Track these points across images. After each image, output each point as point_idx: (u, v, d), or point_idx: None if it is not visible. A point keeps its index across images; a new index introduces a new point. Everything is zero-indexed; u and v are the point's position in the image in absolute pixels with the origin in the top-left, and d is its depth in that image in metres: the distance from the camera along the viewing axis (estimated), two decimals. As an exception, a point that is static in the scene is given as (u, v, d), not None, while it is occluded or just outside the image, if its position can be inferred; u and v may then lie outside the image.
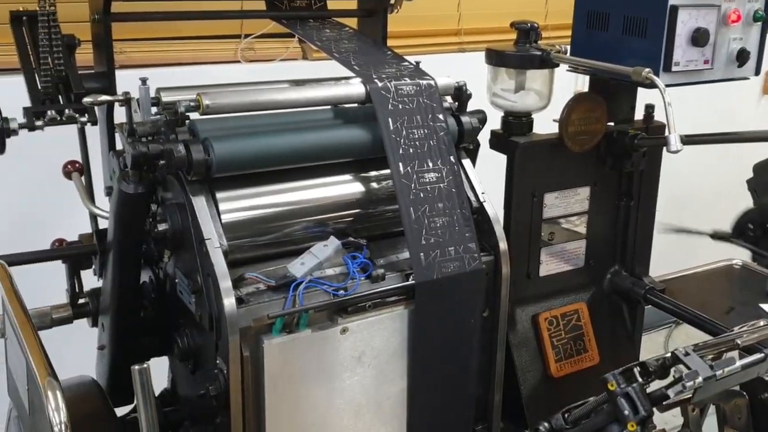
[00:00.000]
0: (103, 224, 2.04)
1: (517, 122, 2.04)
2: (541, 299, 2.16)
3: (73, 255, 1.89)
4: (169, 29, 3.21)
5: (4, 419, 1.92)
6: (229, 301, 1.54)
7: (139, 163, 1.63)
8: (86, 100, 1.69)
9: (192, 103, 1.63)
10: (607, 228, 2.22)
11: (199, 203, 1.62)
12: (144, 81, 1.72)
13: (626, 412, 1.40)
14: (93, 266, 2.02)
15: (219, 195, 1.66)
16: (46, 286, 1.99)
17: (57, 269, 2.01)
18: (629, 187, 2.20)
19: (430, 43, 3.84)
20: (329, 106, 1.85)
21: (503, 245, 1.84)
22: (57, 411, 1.17)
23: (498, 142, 2.05)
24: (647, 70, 1.77)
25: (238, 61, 3.39)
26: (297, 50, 3.53)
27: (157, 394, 2.06)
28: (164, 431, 1.94)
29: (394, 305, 1.71)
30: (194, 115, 1.68)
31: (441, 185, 1.81)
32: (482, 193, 1.87)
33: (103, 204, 2.01)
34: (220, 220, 1.63)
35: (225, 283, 1.55)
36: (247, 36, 3.38)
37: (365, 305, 1.68)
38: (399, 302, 1.72)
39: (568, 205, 2.12)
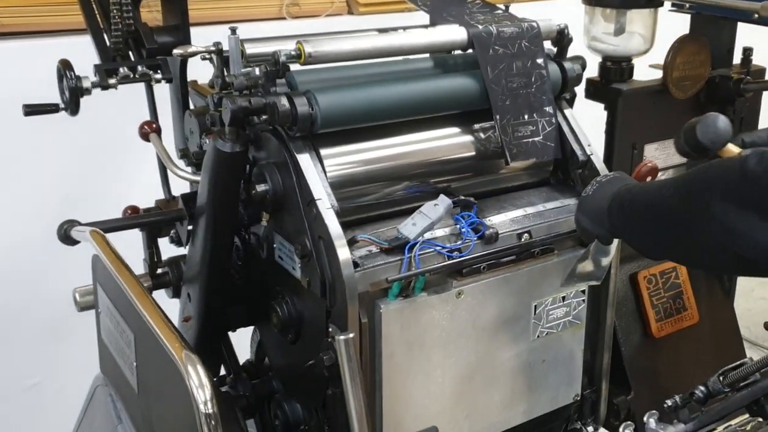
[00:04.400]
0: (178, 188, 1.95)
1: (616, 68, 1.92)
2: (639, 257, 2.05)
3: (162, 221, 1.77)
4: (213, -13, 3.08)
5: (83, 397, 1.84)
6: (346, 266, 1.43)
7: (238, 119, 1.51)
8: (176, 51, 1.57)
9: (293, 52, 1.51)
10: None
11: (305, 161, 1.51)
12: (233, 30, 1.59)
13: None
14: (172, 233, 1.92)
15: (323, 152, 1.55)
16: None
17: (128, 238, 1.91)
18: (729, 135, 2.08)
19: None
20: (428, 55, 1.73)
21: (613, 200, 1.73)
22: (201, 388, 1.07)
23: (596, 90, 1.93)
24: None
25: (283, 18, 3.25)
26: (342, 5, 3.38)
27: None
28: (252, 405, 1.86)
29: (508, 267, 1.61)
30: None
31: (535, 139, 1.70)
32: (588, 146, 1.76)
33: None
34: (327, 179, 1.52)
35: (341, 246, 1.44)
36: (291, -9, 3.24)
37: (480, 267, 1.57)
38: (513, 263, 1.62)
39: (667, 157, 2.01)
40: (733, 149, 1.45)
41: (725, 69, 2.02)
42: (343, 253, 1.44)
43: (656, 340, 2.04)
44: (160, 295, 1.95)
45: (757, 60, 2.07)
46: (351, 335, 1.35)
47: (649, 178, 1.73)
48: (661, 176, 2.02)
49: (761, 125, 2.13)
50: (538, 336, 1.69)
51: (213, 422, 1.08)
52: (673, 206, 1.28)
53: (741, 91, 1.96)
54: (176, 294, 1.92)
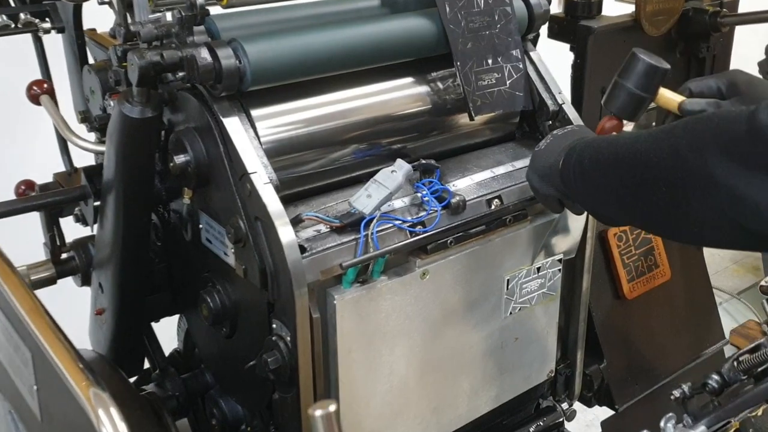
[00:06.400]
0: (83, 159, 1.65)
1: (584, 2, 1.69)
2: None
3: (61, 201, 1.48)
4: None
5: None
6: (291, 251, 1.19)
7: (148, 78, 1.22)
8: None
9: (211, -7, 1.23)
10: (674, 124, 1.93)
11: (233, 126, 1.25)
12: (137, -31, 1.30)
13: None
14: (77, 211, 1.63)
15: (254, 113, 1.28)
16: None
17: (21, 220, 1.60)
18: (700, 75, 1.90)
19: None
20: (373, -7, 1.47)
21: (588, 153, 1.53)
22: (116, 438, 0.82)
23: (561, 29, 1.71)
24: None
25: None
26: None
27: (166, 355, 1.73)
28: (184, 404, 1.61)
29: (477, 239, 1.39)
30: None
31: (502, 88, 1.47)
32: (559, 93, 1.54)
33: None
34: (262, 146, 1.26)
35: (283, 227, 1.19)
36: None
37: (447, 242, 1.35)
38: (483, 234, 1.40)
39: (638, 102, 1.80)
40: (670, 95, 1.27)
41: (697, 1, 1.82)
42: (286, 235, 1.19)
43: (628, 302, 1.87)
44: (68, 284, 1.67)
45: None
46: (332, 409, 0.77)
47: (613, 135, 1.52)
48: (631, 128, 1.82)
49: (733, 64, 1.95)
50: (510, 313, 1.49)
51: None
52: (653, 164, 1.05)
53: (717, 26, 1.77)
54: (86, 281, 1.64)
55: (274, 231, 1.19)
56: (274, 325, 1.27)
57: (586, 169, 1.19)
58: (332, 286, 1.27)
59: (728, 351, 2.16)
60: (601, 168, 1.18)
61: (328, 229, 1.26)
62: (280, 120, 1.31)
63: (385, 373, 1.36)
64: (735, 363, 1.17)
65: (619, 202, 1.17)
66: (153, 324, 1.70)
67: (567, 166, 1.23)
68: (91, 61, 1.65)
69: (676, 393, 1.13)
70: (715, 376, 1.16)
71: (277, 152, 1.29)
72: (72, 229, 1.65)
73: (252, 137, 1.25)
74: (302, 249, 1.22)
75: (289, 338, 1.24)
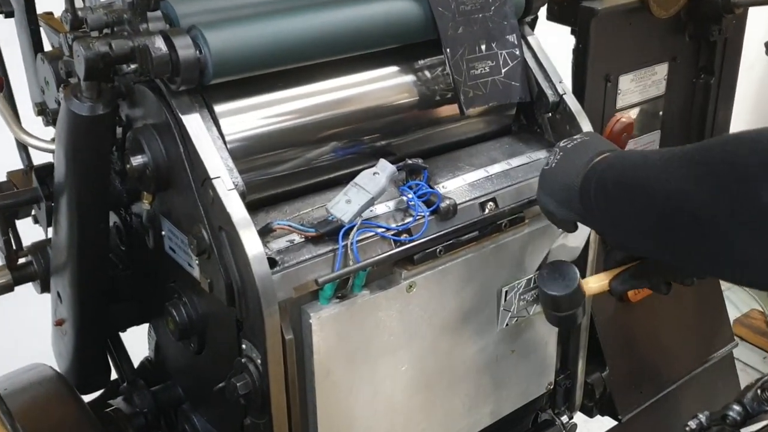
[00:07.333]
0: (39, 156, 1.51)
1: (586, -19, 1.54)
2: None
3: (10, 205, 1.35)
4: None
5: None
6: (258, 265, 1.05)
7: (96, 71, 1.08)
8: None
9: (167, -25, 1.09)
10: (683, 114, 1.79)
11: (194, 124, 1.11)
12: (85, -54, 1.15)
13: None
14: (34, 213, 1.49)
15: (218, 109, 1.15)
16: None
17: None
18: (710, 60, 1.77)
19: None
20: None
21: (592, 147, 1.39)
22: None
23: (562, 11, 1.56)
24: None
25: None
26: None
27: (136, 366, 1.60)
28: (153, 421, 1.48)
29: (469, 246, 1.26)
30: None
31: (497, 78, 1.33)
32: (560, 83, 1.40)
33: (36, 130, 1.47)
34: (227, 146, 1.13)
35: (250, 239, 1.06)
36: None
37: (436, 251, 1.21)
38: (476, 241, 1.26)
39: (644, 89, 1.67)
40: (592, 284, 1.21)
41: (707, -20, 1.67)
42: (253, 247, 1.06)
43: (632, 305, 1.74)
44: (27, 290, 1.54)
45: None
46: None
47: (624, 136, 1.39)
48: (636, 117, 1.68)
49: (746, 49, 1.82)
50: (506, 324, 1.36)
51: None
52: (690, 197, 0.91)
53: (730, 6, 1.62)
54: (46, 288, 1.51)
55: (239, 242, 1.06)
56: (243, 346, 1.14)
57: (609, 195, 1.05)
58: (307, 303, 1.14)
59: (736, 353, 2.04)
60: (627, 196, 1.03)
61: (303, 239, 1.13)
62: (247, 116, 1.17)
63: (368, 396, 1.23)
64: (759, 391, 1.04)
65: (645, 234, 1.03)
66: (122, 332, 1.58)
67: (587, 188, 1.08)
68: (48, 48, 1.51)
69: (692, 424, 1.01)
70: (736, 407, 1.04)
71: (244, 153, 1.15)
72: (35, 231, 1.52)
73: (215, 137, 1.12)
74: (272, 262, 1.09)
75: (259, 361, 1.12)
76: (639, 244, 1.09)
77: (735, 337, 2.00)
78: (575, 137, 1.18)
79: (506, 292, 1.32)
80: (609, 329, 1.71)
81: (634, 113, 1.67)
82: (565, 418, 1.59)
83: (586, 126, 1.38)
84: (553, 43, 1.54)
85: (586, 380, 1.65)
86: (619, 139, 1.39)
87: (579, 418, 1.67)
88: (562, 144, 1.17)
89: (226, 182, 1.08)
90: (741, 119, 2.01)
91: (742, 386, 1.94)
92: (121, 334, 1.58)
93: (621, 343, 1.73)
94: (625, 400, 1.75)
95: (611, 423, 1.79)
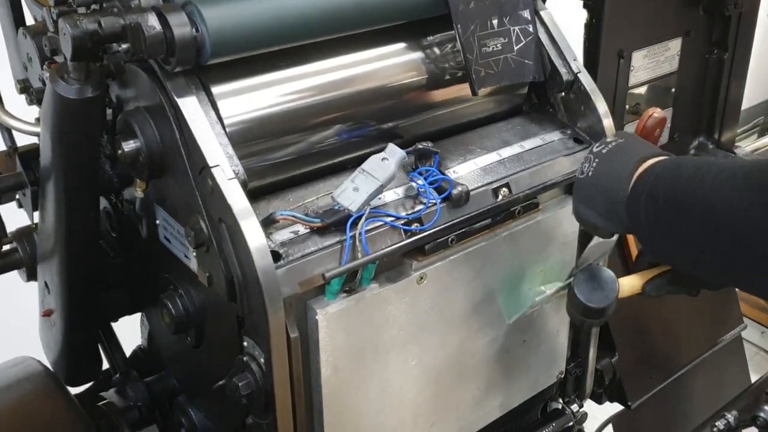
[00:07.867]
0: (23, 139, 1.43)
1: (600, -46, 1.47)
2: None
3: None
4: None
5: None
6: (261, 259, 0.99)
7: (84, 51, 1.00)
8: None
9: (160, -55, 1.00)
10: (695, 91, 1.73)
11: (190, 107, 1.03)
12: None
13: None
14: (18, 197, 1.41)
15: (216, 90, 1.07)
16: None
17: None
18: (724, 34, 1.70)
19: None
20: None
21: (608, 122, 1.32)
22: None
23: (575, -16, 1.49)
24: None
25: None
26: None
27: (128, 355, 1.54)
28: (147, 414, 1.42)
29: (482, 234, 1.19)
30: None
31: (509, 56, 1.26)
32: (574, 60, 1.33)
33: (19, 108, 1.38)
34: (225, 131, 1.05)
35: (252, 231, 0.99)
36: None
37: (448, 240, 1.15)
38: (489, 229, 1.20)
39: (657, 65, 1.61)
40: (624, 286, 1.16)
41: (722, -50, 1.61)
42: (256, 240, 0.99)
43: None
44: (13, 278, 1.47)
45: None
46: None
47: (657, 132, 1.31)
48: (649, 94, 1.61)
49: (760, 24, 1.75)
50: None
51: None
52: (757, 223, 0.84)
53: (749, -22, 1.55)
54: (32, 276, 1.43)
55: (240, 235, 0.99)
56: (245, 344, 1.08)
57: (662, 212, 0.97)
58: (313, 298, 1.07)
59: (745, 334, 2.00)
60: (684, 218, 0.95)
61: (308, 230, 1.06)
62: (247, 98, 1.10)
63: (375, 393, 1.17)
64: (791, 392, 1.00)
65: (703, 257, 0.95)
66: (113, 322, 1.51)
67: (636, 203, 1.00)
68: (31, 22, 1.42)
69: (720, 425, 0.95)
70: (769, 408, 0.99)
71: (244, 137, 1.08)
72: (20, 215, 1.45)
73: (214, 121, 1.04)
74: (276, 256, 1.02)
75: (262, 360, 1.05)
76: (691, 266, 1.02)
77: (743, 318, 1.96)
78: (608, 140, 1.09)
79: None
80: (619, 315, 1.65)
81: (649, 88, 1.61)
82: (575, 407, 1.54)
83: (601, 106, 1.31)
84: (562, 19, 1.48)
85: (596, 367, 1.60)
86: (652, 136, 1.31)
87: (587, 404, 1.62)
88: (595, 149, 1.08)
89: (225, 171, 1.00)
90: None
91: (749, 365, 1.90)
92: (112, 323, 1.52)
93: (631, 328, 1.68)
94: (634, 386, 1.70)
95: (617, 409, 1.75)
